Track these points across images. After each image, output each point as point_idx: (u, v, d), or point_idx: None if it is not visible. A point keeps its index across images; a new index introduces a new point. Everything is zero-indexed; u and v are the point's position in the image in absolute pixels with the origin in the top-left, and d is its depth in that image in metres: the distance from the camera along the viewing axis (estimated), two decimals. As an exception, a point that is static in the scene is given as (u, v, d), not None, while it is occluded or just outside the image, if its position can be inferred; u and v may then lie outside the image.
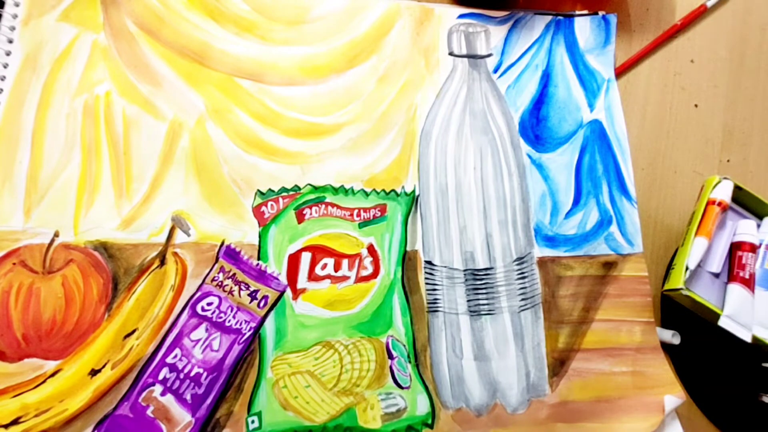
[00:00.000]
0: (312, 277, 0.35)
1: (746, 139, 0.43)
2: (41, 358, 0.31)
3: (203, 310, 0.33)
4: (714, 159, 0.42)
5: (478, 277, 0.35)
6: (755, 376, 0.37)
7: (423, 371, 0.34)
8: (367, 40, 0.40)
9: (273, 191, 0.36)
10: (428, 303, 0.36)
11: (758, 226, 0.38)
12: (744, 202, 0.39)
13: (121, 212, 0.34)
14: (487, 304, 0.35)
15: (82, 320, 0.32)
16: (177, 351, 0.32)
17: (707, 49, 0.44)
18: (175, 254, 0.34)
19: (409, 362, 0.34)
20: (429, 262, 0.36)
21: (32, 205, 0.34)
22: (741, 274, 0.36)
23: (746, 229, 0.37)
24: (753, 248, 0.36)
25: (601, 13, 0.44)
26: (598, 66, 0.42)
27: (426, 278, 0.36)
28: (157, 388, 0.31)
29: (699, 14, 0.45)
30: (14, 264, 0.32)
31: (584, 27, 0.43)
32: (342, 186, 0.37)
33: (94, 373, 0.31)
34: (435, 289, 0.36)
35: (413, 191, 0.37)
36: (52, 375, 0.30)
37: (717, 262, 0.37)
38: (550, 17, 0.43)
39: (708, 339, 0.37)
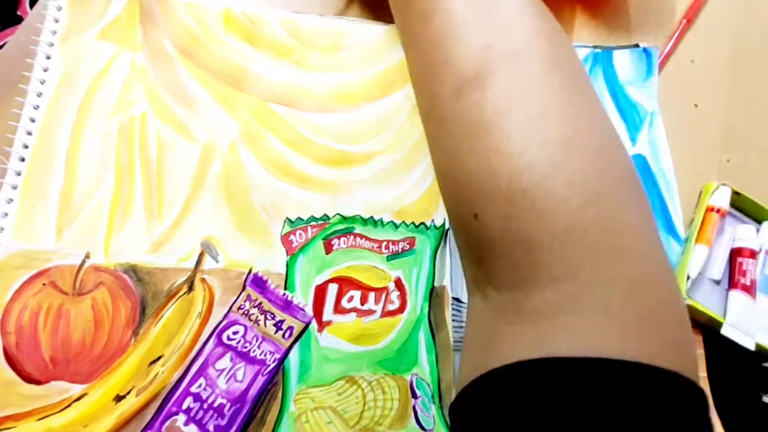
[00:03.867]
0: (338, 309, 0.34)
1: (746, 139, 0.42)
2: (68, 381, 0.31)
3: (229, 339, 0.33)
4: (714, 159, 0.41)
5: (506, 317, 0.35)
6: (756, 376, 0.36)
7: (447, 413, 0.34)
8: (402, 67, 0.40)
9: (302, 219, 0.36)
10: (455, 341, 0.35)
11: (757, 230, 0.37)
12: (742, 206, 0.38)
13: (151, 235, 0.34)
14: (515, 346, 0.34)
15: (110, 344, 0.32)
16: (201, 380, 0.32)
17: (707, 49, 0.44)
18: (203, 280, 0.34)
19: (433, 403, 0.34)
20: (457, 299, 0.36)
21: (64, 225, 0.34)
22: (742, 280, 0.36)
23: (745, 234, 0.37)
24: (753, 254, 0.36)
25: (642, 44, 0.43)
26: (641, 98, 0.41)
27: (453, 315, 0.35)
28: (181, 418, 0.31)
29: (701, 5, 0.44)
30: (44, 285, 0.32)
31: (624, 59, 0.42)
32: (371, 217, 0.36)
33: (119, 398, 0.31)
34: (462, 327, 0.35)
35: (443, 224, 0.37)
36: (78, 399, 0.31)
37: (717, 269, 0.36)
38: (588, 50, 0.42)
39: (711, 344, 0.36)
